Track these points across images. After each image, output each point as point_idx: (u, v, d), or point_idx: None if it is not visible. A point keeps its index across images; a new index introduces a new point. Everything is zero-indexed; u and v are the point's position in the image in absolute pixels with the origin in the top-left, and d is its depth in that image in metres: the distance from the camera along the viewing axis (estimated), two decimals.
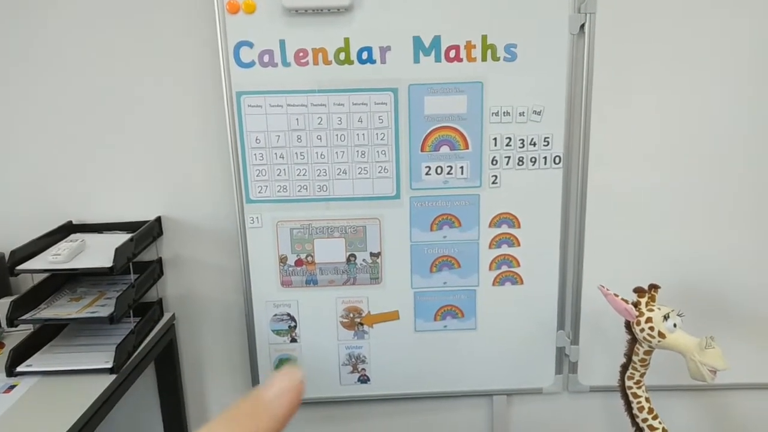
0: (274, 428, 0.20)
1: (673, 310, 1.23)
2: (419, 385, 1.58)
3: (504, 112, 1.40)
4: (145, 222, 1.45)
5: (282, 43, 1.34)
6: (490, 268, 1.49)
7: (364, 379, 1.56)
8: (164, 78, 1.42)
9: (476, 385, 1.58)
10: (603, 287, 1.27)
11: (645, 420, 1.30)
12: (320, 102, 1.37)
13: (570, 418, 1.66)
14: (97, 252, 1.34)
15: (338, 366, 1.55)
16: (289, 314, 1.50)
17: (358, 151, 1.40)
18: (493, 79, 1.38)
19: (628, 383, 1.31)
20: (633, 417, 1.32)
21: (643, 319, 1.23)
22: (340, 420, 1.65)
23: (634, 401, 1.31)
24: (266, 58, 1.35)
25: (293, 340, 1.52)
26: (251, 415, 0.20)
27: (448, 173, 1.43)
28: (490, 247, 1.48)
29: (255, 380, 1.55)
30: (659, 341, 1.21)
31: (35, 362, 1.27)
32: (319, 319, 1.51)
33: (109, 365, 1.24)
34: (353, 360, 1.54)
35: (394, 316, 1.52)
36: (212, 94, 1.40)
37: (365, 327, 1.52)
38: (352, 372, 1.55)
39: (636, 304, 1.25)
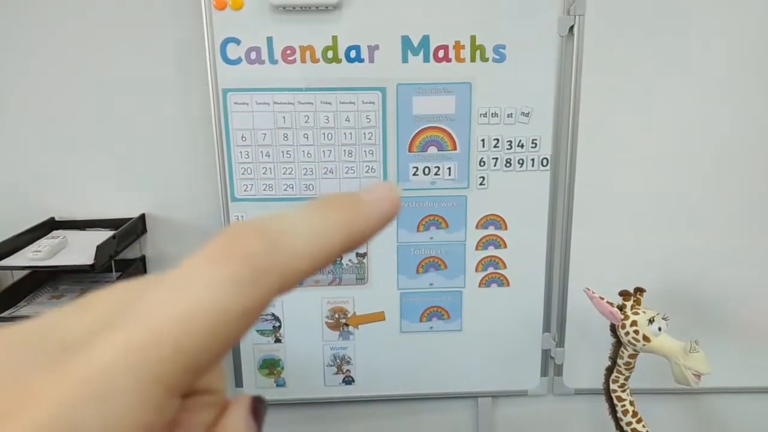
0: (366, 229, 0.19)
1: (658, 314, 1.23)
2: (404, 387, 1.57)
3: (492, 114, 1.39)
4: (128, 219, 1.43)
5: (269, 40, 1.33)
6: (476, 270, 1.49)
7: (349, 381, 1.55)
8: (149, 74, 1.40)
9: (461, 386, 1.58)
10: (589, 290, 1.27)
11: (629, 423, 1.30)
12: (307, 100, 1.36)
13: (555, 420, 1.66)
14: (79, 249, 1.32)
15: (323, 367, 1.54)
16: (273, 314, 1.49)
17: (345, 151, 1.39)
18: (482, 80, 1.37)
19: (612, 386, 1.31)
20: (617, 420, 1.32)
21: (628, 323, 1.23)
22: (325, 421, 1.63)
23: (619, 404, 1.31)
24: (253, 55, 1.34)
25: (277, 341, 1.51)
26: (348, 205, 0.19)
27: (436, 174, 1.42)
28: (476, 249, 1.47)
29: (238, 381, 1.53)
30: (644, 345, 1.21)
31: None
32: (303, 319, 1.50)
33: None
34: (338, 361, 1.53)
35: (379, 317, 1.51)
36: (198, 90, 1.39)
37: (350, 328, 1.51)
38: (337, 373, 1.54)
39: (621, 308, 1.25)
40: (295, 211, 0.18)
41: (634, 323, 1.22)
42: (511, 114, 1.40)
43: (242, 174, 1.39)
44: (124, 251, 1.38)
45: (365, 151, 1.40)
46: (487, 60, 1.36)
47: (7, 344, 0.15)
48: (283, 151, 1.39)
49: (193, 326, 0.14)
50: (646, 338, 1.21)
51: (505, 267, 1.49)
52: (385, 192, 0.20)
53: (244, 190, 1.40)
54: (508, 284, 1.50)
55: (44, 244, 1.29)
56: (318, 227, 0.18)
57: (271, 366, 1.53)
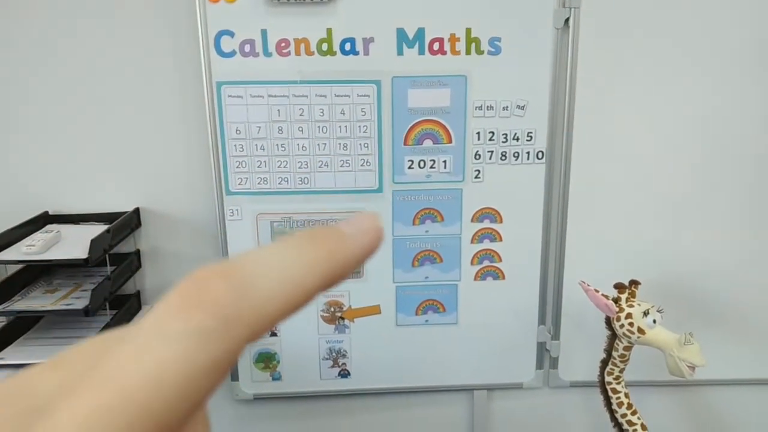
0: (346, 265, 0.17)
1: (652, 306, 1.23)
2: (400, 380, 1.57)
3: (487, 107, 1.39)
4: (123, 213, 1.42)
5: (264, 32, 1.32)
6: (472, 263, 1.49)
7: (344, 374, 1.55)
8: (143, 67, 1.39)
9: (457, 379, 1.58)
10: (584, 283, 1.28)
11: (624, 415, 1.31)
12: (302, 93, 1.36)
13: (550, 413, 1.67)
14: (73, 243, 1.31)
15: (318, 360, 1.54)
16: None
17: (340, 144, 1.39)
18: (477, 73, 1.37)
19: (607, 379, 1.32)
20: (612, 412, 1.33)
21: (623, 315, 1.23)
22: (320, 415, 1.64)
23: (614, 397, 1.32)
24: (247, 48, 1.33)
25: (273, 334, 1.51)
26: (327, 239, 0.17)
27: (431, 167, 1.42)
28: (472, 242, 1.47)
29: (234, 375, 1.53)
30: (639, 337, 1.22)
31: (8, 355, 1.25)
32: (299, 313, 1.49)
33: None
34: (334, 354, 1.53)
35: (375, 310, 1.51)
36: (192, 83, 1.38)
37: (346, 321, 1.51)
38: (333, 366, 1.54)
39: (616, 300, 1.25)
40: (269, 249, 0.17)
41: (629, 316, 1.22)
42: (507, 107, 1.39)
43: (237, 167, 1.39)
44: (118, 245, 1.37)
45: (360, 144, 1.39)
46: (482, 53, 1.36)
47: None
48: (277, 144, 1.38)
49: (160, 385, 0.14)
50: (641, 330, 1.21)
51: (500, 260, 1.49)
52: (367, 223, 0.18)
53: (239, 184, 1.40)
54: (504, 277, 1.50)
55: (38, 238, 1.28)
56: (292, 267, 0.16)
57: (266, 360, 1.53)
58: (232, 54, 1.33)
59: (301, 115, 1.37)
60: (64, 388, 0.15)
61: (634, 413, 1.31)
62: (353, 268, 0.18)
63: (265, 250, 0.17)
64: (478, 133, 1.40)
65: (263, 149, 1.38)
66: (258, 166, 1.39)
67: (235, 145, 1.37)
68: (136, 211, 1.47)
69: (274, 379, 1.54)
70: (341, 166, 1.40)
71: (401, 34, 1.34)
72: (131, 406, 0.13)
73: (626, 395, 1.32)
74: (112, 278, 1.33)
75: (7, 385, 0.15)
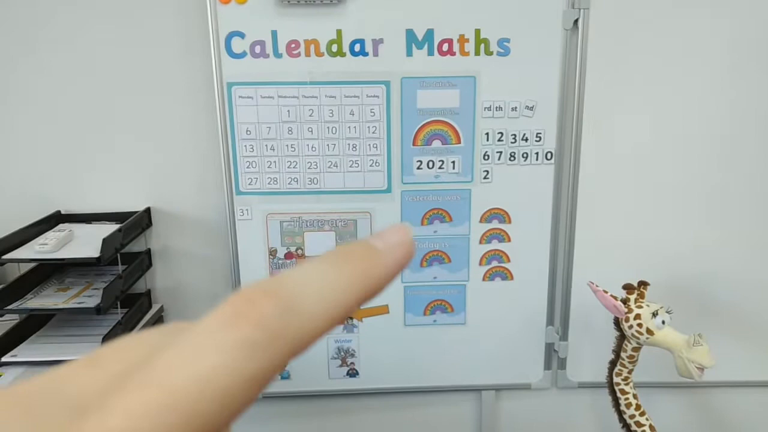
0: (382, 280, 0.18)
1: (661, 307, 1.23)
2: (408, 380, 1.58)
3: (496, 107, 1.39)
4: (134, 213, 1.43)
5: (274, 33, 1.33)
6: (480, 264, 1.49)
7: (353, 373, 1.56)
8: (154, 68, 1.41)
9: (465, 380, 1.58)
10: (592, 284, 1.27)
11: (632, 416, 1.31)
12: (312, 94, 1.36)
13: (558, 413, 1.67)
14: (85, 242, 1.33)
15: (327, 360, 1.54)
16: None
17: (349, 144, 1.40)
18: (486, 74, 1.37)
19: (616, 379, 1.32)
20: (620, 413, 1.33)
21: (631, 316, 1.23)
22: (329, 414, 1.64)
23: (622, 397, 1.31)
24: (258, 49, 1.34)
25: None
26: (363, 256, 0.18)
27: (440, 168, 1.42)
28: (480, 243, 1.48)
29: None
30: (647, 338, 1.21)
31: (21, 352, 1.26)
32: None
33: None
34: (342, 354, 1.54)
35: (383, 310, 1.51)
36: (203, 84, 1.39)
37: (354, 321, 1.52)
38: (341, 366, 1.55)
39: (625, 301, 1.25)
40: (308, 267, 0.17)
41: (637, 316, 1.22)
42: (516, 107, 1.40)
43: (247, 167, 1.40)
44: (129, 244, 1.39)
45: (369, 145, 1.40)
46: (491, 53, 1.36)
47: (15, 406, 0.14)
48: (287, 145, 1.39)
49: (208, 390, 0.14)
50: (649, 331, 1.21)
51: (508, 261, 1.49)
52: (399, 237, 0.19)
53: (249, 184, 1.41)
54: (512, 278, 1.50)
55: (50, 237, 1.30)
56: (332, 284, 0.17)
57: None
58: (242, 55, 1.34)
59: (310, 115, 1.37)
60: (108, 386, 0.15)
61: (642, 414, 1.31)
62: (387, 283, 0.18)
63: (305, 269, 0.17)
64: (487, 133, 1.41)
65: (273, 149, 1.39)
66: (268, 167, 1.40)
67: (245, 146, 1.38)
68: (147, 210, 1.48)
69: (282, 377, 1.55)
70: (350, 167, 1.41)
71: (410, 35, 1.34)
72: (181, 406, 0.14)
73: (635, 396, 1.32)
74: (123, 277, 1.34)
75: (42, 382, 0.16)
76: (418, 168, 1.42)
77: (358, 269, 0.18)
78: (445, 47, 1.35)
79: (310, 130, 1.38)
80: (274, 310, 0.16)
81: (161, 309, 1.54)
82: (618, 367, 1.31)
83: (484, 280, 1.50)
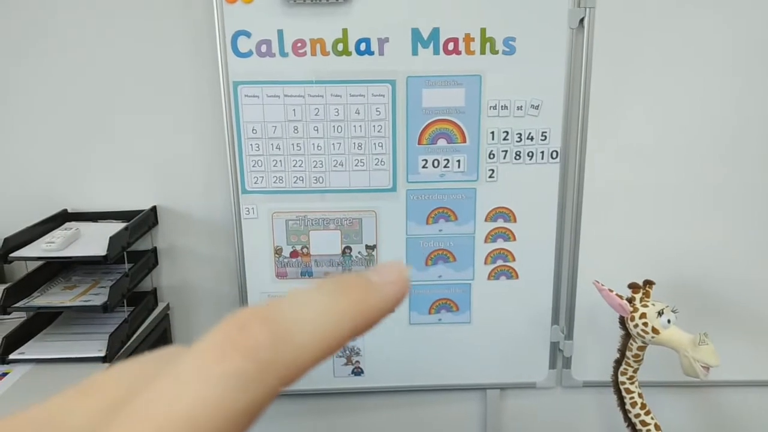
0: (376, 315, 0.18)
1: (667, 306, 1.23)
2: (413, 378, 1.58)
3: (502, 106, 1.39)
4: (140, 211, 1.44)
5: (280, 33, 1.33)
6: (485, 262, 1.49)
7: (357, 372, 1.56)
8: (160, 67, 1.41)
9: (470, 378, 1.58)
10: (598, 282, 1.27)
11: (637, 415, 1.31)
12: (318, 93, 1.37)
13: (563, 412, 1.67)
14: (92, 240, 1.33)
15: (332, 358, 1.54)
16: None
17: (354, 143, 1.40)
18: (492, 73, 1.37)
19: (621, 378, 1.32)
20: (626, 412, 1.33)
21: (637, 315, 1.23)
22: (333, 412, 1.65)
23: (627, 396, 1.31)
24: (264, 48, 1.34)
25: None
26: (358, 288, 0.18)
27: (445, 166, 1.43)
28: (485, 242, 1.48)
29: None
30: (653, 337, 1.21)
31: (28, 350, 1.27)
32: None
33: (102, 354, 1.24)
34: (347, 352, 1.54)
35: None
36: (209, 83, 1.40)
37: None
38: (346, 364, 1.55)
39: (630, 300, 1.25)
40: (303, 295, 0.17)
41: (643, 315, 1.22)
42: (521, 106, 1.40)
43: (253, 166, 1.40)
44: (136, 242, 1.39)
45: (375, 144, 1.40)
46: (497, 52, 1.36)
47: None
48: (293, 144, 1.39)
49: (197, 424, 0.14)
50: (655, 330, 1.21)
51: (514, 260, 1.49)
52: (395, 274, 0.19)
53: (255, 183, 1.41)
54: (517, 277, 1.50)
55: (57, 236, 1.30)
56: (326, 315, 0.17)
57: None
58: (248, 54, 1.34)
59: (316, 114, 1.38)
60: (98, 418, 0.15)
61: (647, 413, 1.31)
62: (381, 318, 0.18)
63: (300, 297, 0.17)
64: (493, 132, 1.41)
65: (279, 148, 1.39)
66: (274, 165, 1.40)
67: (251, 145, 1.39)
68: (154, 209, 1.49)
69: None
70: (356, 166, 1.41)
71: (416, 34, 1.35)
72: None
73: (640, 395, 1.31)
74: (129, 275, 1.35)
75: (35, 413, 0.16)
76: (424, 167, 1.42)
77: (353, 301, 0.18)
78: (451, 46, 1.36)
79: (315, 129, 1.39)
80: (266, 339, 0.15)
81: (167, 307, 1.55)
82: (623, 366, 1.31)
83: (489, 279, 1.50)
